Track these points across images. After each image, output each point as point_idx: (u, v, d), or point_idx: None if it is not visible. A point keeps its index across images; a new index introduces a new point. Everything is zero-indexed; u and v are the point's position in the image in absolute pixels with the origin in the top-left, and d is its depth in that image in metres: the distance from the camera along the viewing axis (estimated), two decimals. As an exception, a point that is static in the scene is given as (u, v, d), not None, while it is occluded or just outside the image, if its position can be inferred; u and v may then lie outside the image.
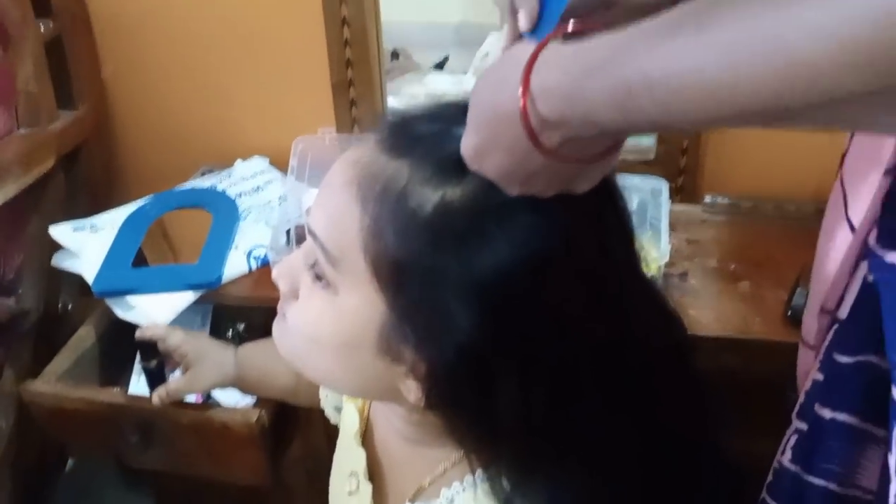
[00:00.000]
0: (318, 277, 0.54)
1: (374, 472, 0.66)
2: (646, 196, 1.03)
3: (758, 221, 1.06)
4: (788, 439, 0.59)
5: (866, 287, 0.49)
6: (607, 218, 0.53)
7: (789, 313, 0.87)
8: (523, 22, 0.47)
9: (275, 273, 0.58)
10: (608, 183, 0.51)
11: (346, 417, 0.71)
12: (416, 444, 0.62)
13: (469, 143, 0.45)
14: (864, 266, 0.49)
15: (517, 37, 0.49)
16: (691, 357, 0.60)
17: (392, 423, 0.63)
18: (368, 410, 0.70)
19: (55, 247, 1.06)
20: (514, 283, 0.48)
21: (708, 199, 1.09)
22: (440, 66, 1.90)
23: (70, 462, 1.23)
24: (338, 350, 0.54)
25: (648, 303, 0.58)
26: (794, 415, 0.59)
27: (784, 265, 0.95)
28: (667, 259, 0.94)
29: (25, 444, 1.12)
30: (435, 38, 1.78)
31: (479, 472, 0.56)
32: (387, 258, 0.49)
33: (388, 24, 1.13)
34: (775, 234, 1.03)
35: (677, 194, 1.09)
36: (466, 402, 0.52)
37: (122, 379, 1.02)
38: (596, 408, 0.52)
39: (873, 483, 0.52)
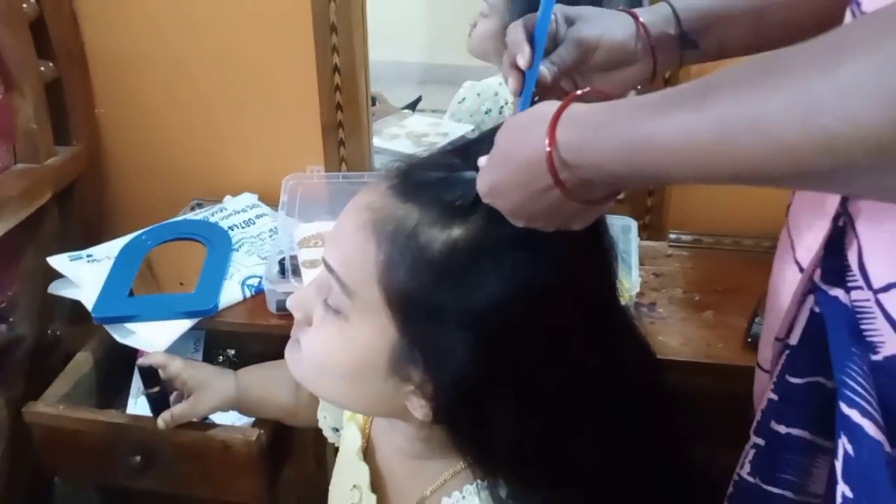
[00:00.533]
0: (331, 307, 0.60)
1: (377, 485, 0.70)
2: (616, 232, 1.11)
3: (718, 255, 1.15)
4: (747, 454, 0.64)
5: (813, 317, 0.55)
6: (596, 253, 0.60)
7: (749, 339, 0.94)
8: (520, 68, 0.56)
9: (289, 303, 0.64)
10: (597, 221, 0.59)
11: (348, 436, 0.76)
12: (417, 458, 0.66)
13: (486, 181, 0.51)
14: (811, 299, 0.55)
15: (518, 91, 0.57)
16: (665, 379, 0.68)
17: (393, 440, 0.68)
18: (370, 428, 0.75)
19: (48, 277, 1.09)
20: (511, 314, 0.54)
21: (673, 235, 1.17)
22: (412, 106, 1.97)
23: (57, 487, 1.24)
24: (350, 373, 0.60)
25: (629, 329, 0.65)
26: (751, 431, 0.65)
27: (743, 294, 1.04)
28: (637, 290, 1.01)
29: (16, 471, 1.13)
30: (403, 77, 1.85)
31: (478, 481, 0.61)
32: (399, 290, 0.55)
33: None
34: (734, 267, 1.12)
35: (644, 231, 1.18)
36: (470, 419, 0.58)
37: (118, 403, 1.04)
38: (590, 427, 0.59)
39: (821, 489, 0.58)
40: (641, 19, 0.63)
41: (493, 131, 0.54)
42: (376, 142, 1.31)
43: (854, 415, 0.46)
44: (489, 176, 0.51)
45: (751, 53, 0.63)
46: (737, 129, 0.36)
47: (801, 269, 0.58)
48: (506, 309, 0.54)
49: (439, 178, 0.57)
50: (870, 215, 0.48)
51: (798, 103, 0.33)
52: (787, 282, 0.59)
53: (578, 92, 0.50)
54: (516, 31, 0.61)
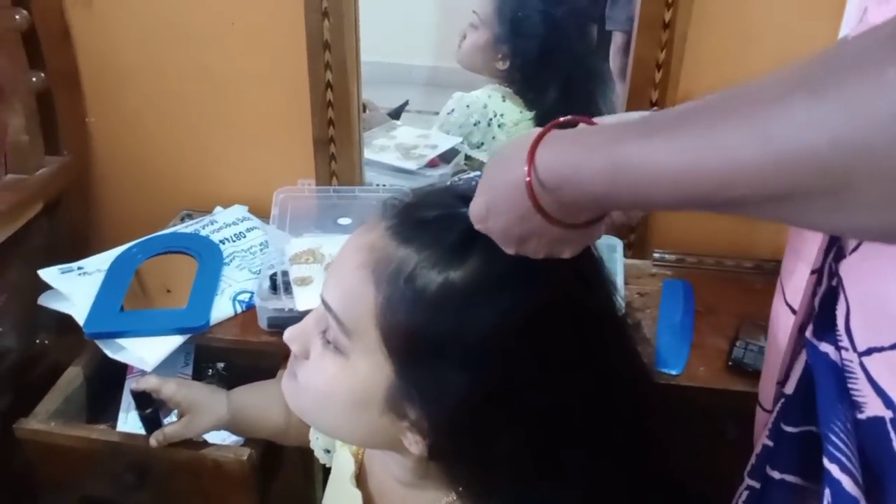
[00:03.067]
0: (330, 343, 0.61)
1: None
2: (602, 252, 1.12)
3: (701, 275, 1.17)
4: (740, 495, 0.67)
5: (807, 369, 0.57)
6: (594, 283, 0.62)
7: (730, 363, 0.97)
8: None
9: (287, 336, 0.65)
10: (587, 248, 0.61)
11: (341, 460, 0.77)
12: (410, 487, 0.68)
13: (476, 207, 0.53)
14: (805, 351, 0.58)
15: None
16: (660, 399, 0.70)
17: (388, 467, 0.70)
18: (362, 454, 0.76)
19: (36, 290, 1.09)
20: (508, 355, 0.56)
21: (657, 254, 1.20)
22: (398, 111, 1.98)
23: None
24: (347, 408, 0.61)
25: (630, 355, 0.66)
26: (746, 473, 0.67)
27: (724, 315, 1.06)
28: (622, 310, 1.04)
29: (1, 485, 1.14)
30: (385, 78, 1.86)
31: None
32: (397, 331, 0.57)
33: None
34: (716, 287, 1.14)
35: (629, 249, 1.20)
36: (465, 455, 0.59)
37: (108, 417, 1.05)
38: (584, 454, 0.60)
39: None
40: None
41: None
42: (366, 154, 1.32)
43: (834, 470, 0.48)
44: (479, 202, 0.53)
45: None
46: (704, 153, 0.39)
47: (794, 311, 0.60)
48: (502, 350, 0.55)
49: (438, 219, 0.59)
50: (856, 278, 0.50)
51: (756, 129, 0.36)
52: (781, 325, 0.62)
53: (561, 119, 0.52)
54: None
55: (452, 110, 1.53)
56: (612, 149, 0.43)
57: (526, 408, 0.58)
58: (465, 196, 0.59)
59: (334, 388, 0.61)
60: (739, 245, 1.19)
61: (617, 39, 1.38)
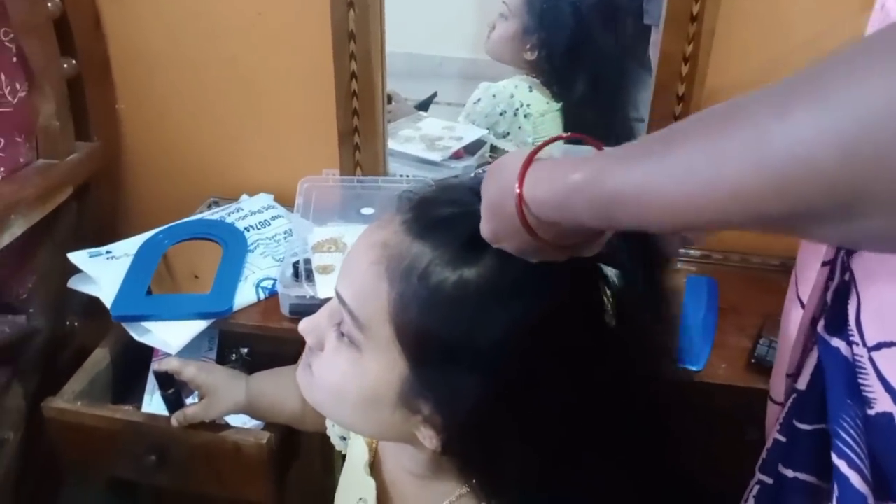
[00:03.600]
0: (344, 336, 0.61)
1: (383, 500, 0.72)
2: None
3: (726, 272, 1.16)
4: (752, 489, 0.66)
5: (820, 364, 0.56)
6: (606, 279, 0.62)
7: (753, 360, 0.96)
8: None
9: (302, 327, 0.65)
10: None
11: (355, 448, 0.78)
12: (423, 479, 0.68)
13: (487, 230, 0.53)
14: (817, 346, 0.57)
15: None
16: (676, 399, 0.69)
17: (400, 459, 0.70)
18: (377, 443, 0.77)
19: (65, 272, 1.11)
20: (522, 353, 0.55)
21: (682, 250, 1.19)
22: (427, 103, 1.98)
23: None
24: (360, 403, 0.61)
25: (649, 351, 0.65)
26: (757, 468, 0.66)
27: (747, 314, 1.05)
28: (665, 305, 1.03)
29: (30, 462, 1.17)
30: (417, 70, 1.86)
31: (483, 503, 0.64)
32: (411, 328, 0.56)
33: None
34: (741, 285, 1.13)
35: (653, 245, 1.19)
36: (478, 450, 0.59)
37: (133, 399, 1.07)
38: (598, 453, 0.60)
39: None
40: None
41: None
42: (390, 144, 1.33)
43: (842, 465, 0.48)
44: (486, 228, 0.53)
45: None
46: (697, 176, 0.36)
47: (803, 305, 0.59)
48: (516, 348, 0.55)
49: (453, 216, 0.58)
50: (867, 273, 0.49)
51: (751, 148, 0.33)
52: (791, 319, 0.61)
53: (549, 138, 0.52)
54: None
55: (479, 100, 1.53)
56: (604, 179, 0.42)
57: (540, 407, 0.57)
58: (479, 192, 0.59)
59: (348, 383, 0.61)
60: (766, 243, 1.18)
61: (654, 35, 1.36)
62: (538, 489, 0.60)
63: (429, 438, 0.60)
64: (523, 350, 0.55)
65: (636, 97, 1.32)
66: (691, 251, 1.19)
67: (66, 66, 1.17)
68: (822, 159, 0.31)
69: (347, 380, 0.61)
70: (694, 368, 0.96)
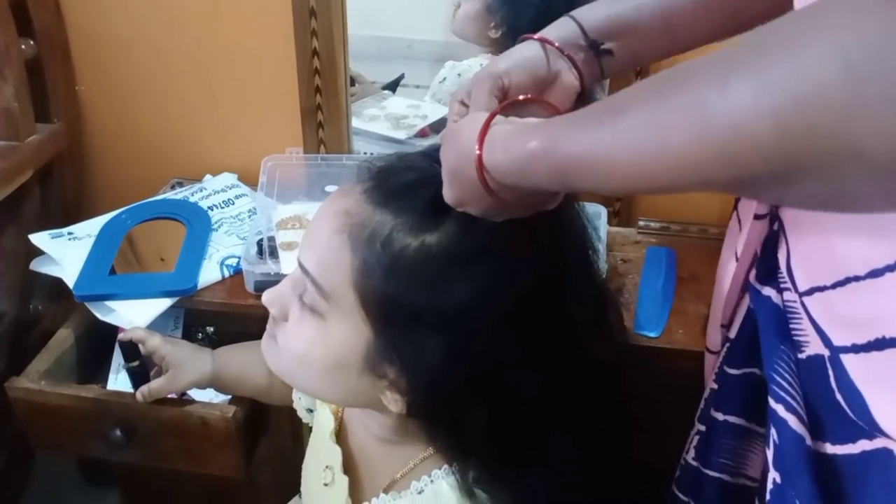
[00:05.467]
0: (308, 305, 0.62)
1: (349, 467, 0.73)
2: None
3: (685, 243, 1.18)
4: (692, 440, 0.68)
5: (749, 313, 0.58)
6: (573, 248, 0.63)
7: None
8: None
9: (265, 298, 0.66)
10: (575, 215, 0.62)
11: (321, 418, 0.79)
12: (389, 443, 0.69)
13: (450, 196, 0.54)
14: (748, 296, 0.59)
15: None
16: (636, 369, 0.71)
17: (367, 425, 0.71)
18: (342, 412, 0.78)
19: (29, 254, 1.11)
20: (483, 317, 0.56)
21: (642, 222, 1.21)
22: (394, 84, 1.98)
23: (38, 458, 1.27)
24: (326, 369, 0.62)
25: (606, 322, 0.67)
26: (696, 418, 0.69)
27: (705, 282, 1.07)
28: (604, 276, 1.05)
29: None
30: (386, 52, 1.85)
31: (445, 466, 0.65)
32: (374, 294, 0.58)
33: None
34: (699, 254, 1.15)
35: (615, 217, 1.21)
36: (443, 413, 0.61)
37: (99, 378, 1.07)
38: (559, 418, 0.62)
39: (757, 473, 0.62)
40: (548, 37, 0.65)
41: None
42: (355, 123, 1.33)
43: (780, 409, 0.50)
44: (450, 192, 0.54)
45: (664, 58, 0.64)
46: (644, 145, 0.38)
47: (737, 259, 0.61)
48: (478, 312, 0.56)
49: (413, 183, 0.59)
50: (794, 221, 0.51)
51: (693, 120, 0.35)
52: (728, 271, 0.63)
53: (518, 98, 0.53)
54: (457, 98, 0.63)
55: (445, 78, 1.53)
56: (559, 146, 0.43)
57: (502, 372, 0.59)
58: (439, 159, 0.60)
59: (313, 351, 0.62)
60: (725, 214, 1.20)
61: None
62: (500, 453, 0.62)
63: (394, 402, 0.61)
64: (484, 314, 0.56)
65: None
66: (651, 223, 1.21)
67: (24, 46, 1.16)
68: (760, 133, 0.32)
69: (313, 347, 0.62)
70: (651, 335, 0.98)
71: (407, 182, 0.60)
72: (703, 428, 0.65)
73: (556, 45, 0.63)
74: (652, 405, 0.73)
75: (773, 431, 0.51)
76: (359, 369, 0.61)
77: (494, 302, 0.57)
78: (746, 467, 0.62)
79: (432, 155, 0.61)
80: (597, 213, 1.14)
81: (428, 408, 0.61)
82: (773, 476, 0.52)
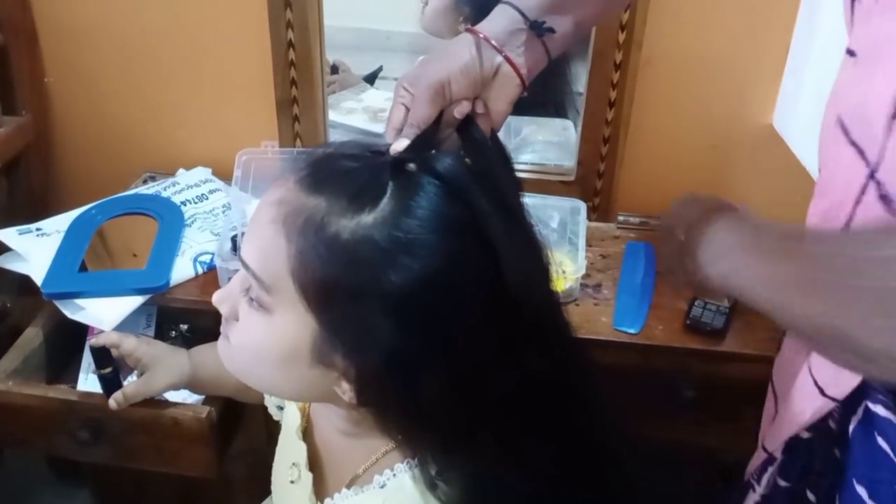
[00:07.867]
0: (254, 301, 0.61)
1: (315, 464, 0.73)
2: (566, 214, 1.13)
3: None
4: None
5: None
6: (516, 236, 0.62)
7: (688, 322, 0.98)
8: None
9: (215, 299, 0.65)
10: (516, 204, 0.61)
11: (288, 415, 0.78)
12: (352, 437, 0.68)
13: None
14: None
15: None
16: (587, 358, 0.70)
17: (331, 420, 0.70)
18: (309, 409, 0.77)
19: (-4, 250, 1.09)
20: (423, 298, 0.55)
21: (621, 217, 1.20)
22: (373, 76, 1.96)
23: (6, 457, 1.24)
24: (277, 364, 0.61)
25: (551, 309, 0.66)
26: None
27: (684, 278, 1.07)
28: (583, 272, 1.04)
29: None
30: (365, 44, 1.84)
31: (408, 459, 0.64)
32: (313, 281, 0.56)
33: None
34: (678, 250, 1.15)
35: (594, 212, 1.20)
36: (391, 400, 0.59)
37: (68, 378, 1.05)
38: (512, 407, 0.61)
39: None
40: (486, 30, 0.65)
41: None
42: (333, 116, 1.31)
43: None
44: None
45: (602, 20, 0.66)
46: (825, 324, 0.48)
47: (823, 394, 0.63)
48: (416, 293, 0.55)
49: (346, 169, 0.58)
50: None
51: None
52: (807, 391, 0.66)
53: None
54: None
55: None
56: (769, 288, 0.53)
57: (449, 354, 0.58)
58: (374, 148, 0.60)
59: (262, 346, 0.61)
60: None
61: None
62: (448, 442, 0.61)
63: (346, 392, 0.60)
64: (424, 295, 0.56)
65: (573, 64, 1.33)
66: (631, 218, 1.20)
67: (-12, 36, 1.13)
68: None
69: (262, 343, 0.61)
70: (630, 331, 0.97)
71: (340, 168, 0.59)
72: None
73: (493, 42, 0.63)
74: (630, 399, 0.72)
75: None
76: (308, 361, 0.60)
77: (433, 282, 0.56)
78: None
79: (366, 145, 0.61)
80: (576, 209, 1.13)
81: (376, 395, 0.60)
82: None
